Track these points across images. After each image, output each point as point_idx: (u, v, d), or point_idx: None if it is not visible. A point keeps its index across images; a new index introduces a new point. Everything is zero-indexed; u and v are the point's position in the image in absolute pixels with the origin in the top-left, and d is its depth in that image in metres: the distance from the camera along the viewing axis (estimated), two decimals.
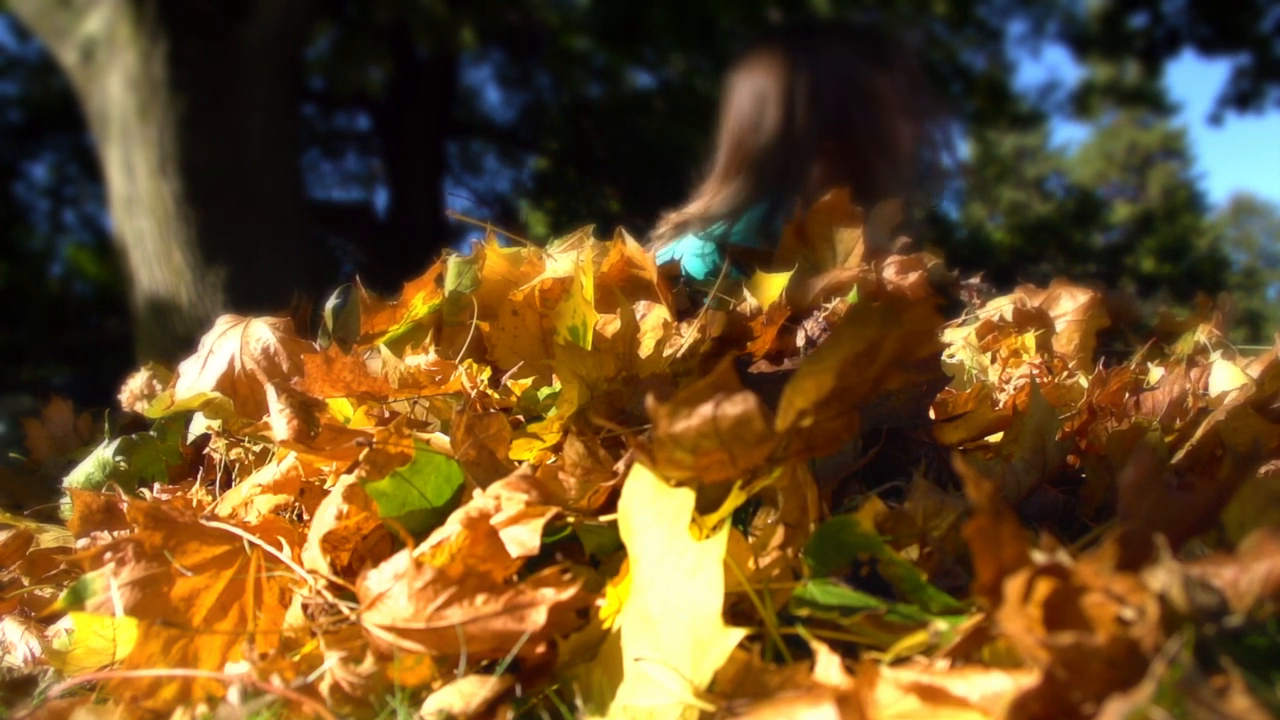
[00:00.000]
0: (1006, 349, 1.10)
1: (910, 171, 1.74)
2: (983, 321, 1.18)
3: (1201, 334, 1.26)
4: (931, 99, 1.79)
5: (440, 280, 1.08)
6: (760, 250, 1.20)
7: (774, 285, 1.00)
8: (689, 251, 1.62)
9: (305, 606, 0.64)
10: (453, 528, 0.60)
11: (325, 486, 0.78)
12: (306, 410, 0.77)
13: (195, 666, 0.64)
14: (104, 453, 1.09)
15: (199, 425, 1.06)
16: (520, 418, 0.82)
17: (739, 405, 0.49)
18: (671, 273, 1.11)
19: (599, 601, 0.57)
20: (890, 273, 1.12)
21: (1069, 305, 1.23)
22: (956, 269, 1.33)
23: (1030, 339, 1.11)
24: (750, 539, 0.60)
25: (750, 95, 1.72)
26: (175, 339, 4.01)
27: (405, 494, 0.68)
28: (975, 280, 1.32)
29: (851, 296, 1.00)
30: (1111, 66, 10.02)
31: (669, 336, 0.91)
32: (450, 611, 0.54)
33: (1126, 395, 0.90)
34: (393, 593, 0.55)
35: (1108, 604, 0.39)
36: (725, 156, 1.74)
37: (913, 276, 1.11)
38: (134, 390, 1.23)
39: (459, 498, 0.69)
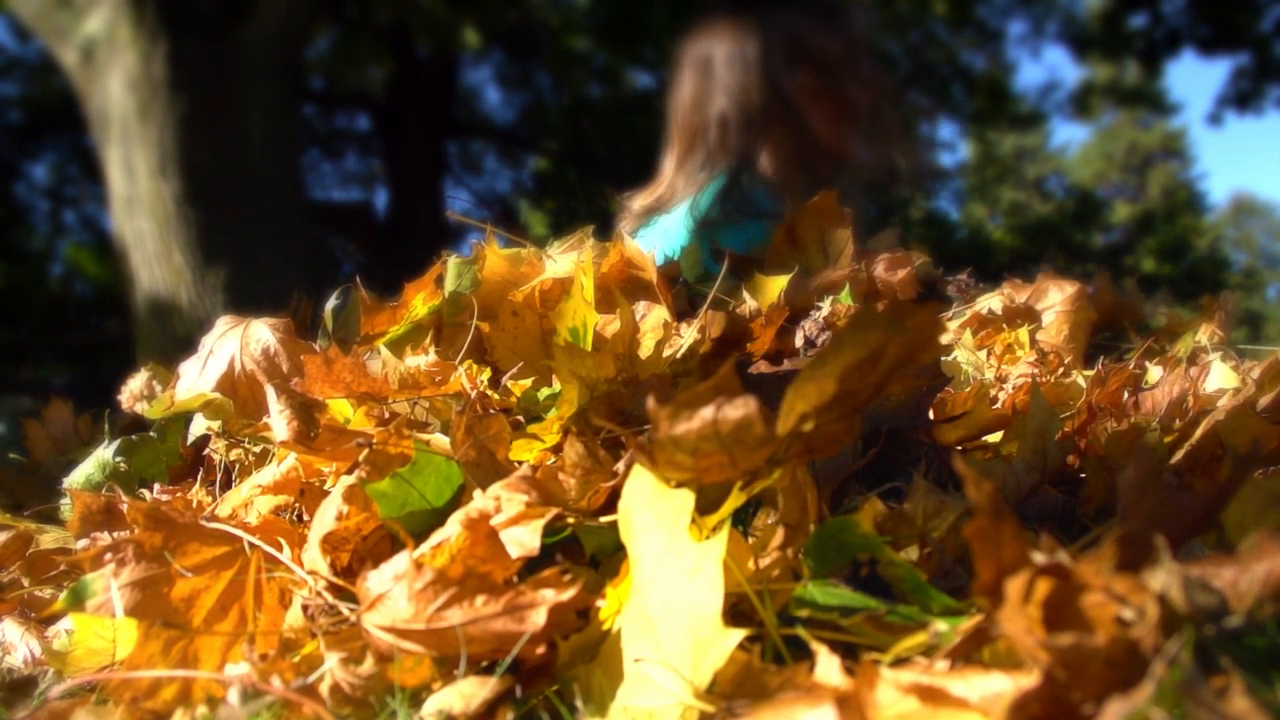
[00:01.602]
0: (1000, 344, 1.10)
1: (866, 142, 1.74)
2: (970, 315, 1.19)
3: (1202, 334, 1.26)
4: (884, 74, 1.78)
5: (440, 281, 1.08)
6: (755, 257, 1.22)
7: (774, 286, 1.01)
8: (662, 235, 1.62)
9: (305, 607, 0.64)
10: (453, 529, 0.60)
11: (325, 487, 0.78)
12: (306, 411, 0.77)
13: (195, 667, 0.64)
14: (104, 453, 1.09)
15: (199, 426, 1.06)
16: (520, 418, 0.82)
17: (740, 409, 0.49)
18: (671, 274, 1.12)
19: (599, 602, 0.57)
20: (879, 270, 1.14)
21: (1056, 297, 1.24)
22: (941, 267, 1.34)
23: (1024, 334, 1.11)
24: (750, 540, 0.60)
25: (699, 68, 1.70)
26: (175, 339, 4.00)
27: (405, 495, 0.68)
28: (962, 276, 1.33)
29: (845, 296, 1.01)
30: (1111, 67, 10.03)
31: (669, 337, 0.91)
32: (450, 612, 0.54)
33: (1126, 395, 0.90)
34: (393, 594, 0.55)
35: (1108, 605, 0.39)
36: (679, 136, 1.72)
37: (901, 273, 1.14)
38: (134, 391, 1.23)
39: (459, 498, 0.69)
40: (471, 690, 0.52)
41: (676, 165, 1.71)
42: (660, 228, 1.66)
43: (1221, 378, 0.97)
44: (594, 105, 9.13)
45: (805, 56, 1.67)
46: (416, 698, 0.54)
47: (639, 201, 1.70)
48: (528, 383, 0.87)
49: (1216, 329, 1.26)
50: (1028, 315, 1.19)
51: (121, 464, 1.08)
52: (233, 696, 0.54)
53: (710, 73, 1.68)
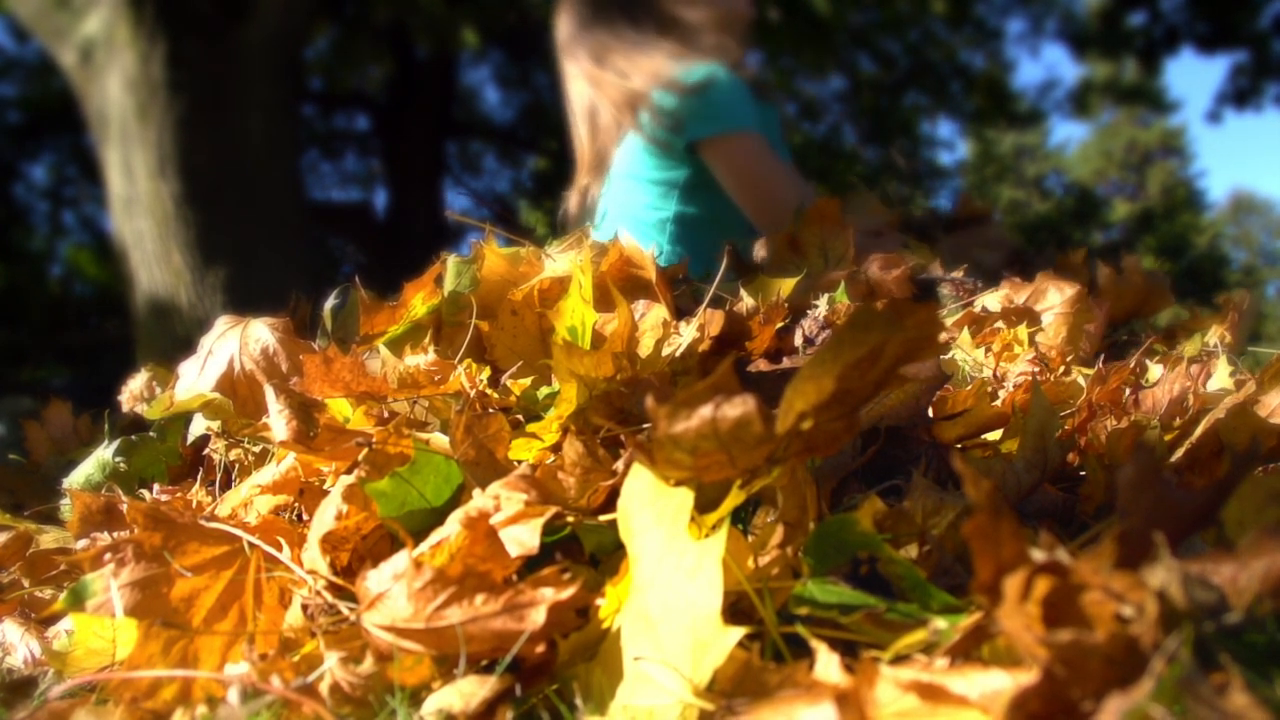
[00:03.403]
0: (1000, 343, 1.10)
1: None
2: (965, 314, 1.18)
3: (1212, 334, 1.26)
4: None
5: (439, 280, 1.08)
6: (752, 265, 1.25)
7: (784, 286, 1.02)
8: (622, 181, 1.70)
9: (305, 607, 0.64)
10: (452, 528, 0.60)
11: (325, 487, 0.78)
12: (305, 411, 0.77)
13: (195, 667, 0.64)
14: (104, 453, 1.09)
15: (199, 426, 1.06)
16: (520, 417, 0.82)
17: (738, 407, 0.49)
18: (673, 275, 1.12)
19: (598, 601, 0.57)
20: (874, 270, 1.14)
21: (1056, 298, 1.22)
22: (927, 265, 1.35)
23: (1023, 332, 1.11)
24: (750, 538, 0.60)
25: (564, 52, 1.84)
26: (175, 340, 4.00)
27: (405, 494, 0.68)
28: (958, 274, 1.33)
29: (840, 294, 1.02)
30: (1110, 65, 10.01)
31: (667, 336, 0.91)
32: (450, 611, 0.54)
33: (1126, 393, 0.90)
34: (392, 593, 0.55)
35: (1107, 602, 0.39)
36: (586, 121, 1.82)
37: (894, 273, 1.14)
38: (134, 391, 1.23)
39: (458, 498, 0.69)
40: (471, 689, 0.52)
41: (590, 154, 1.81)
42: (613, 177, 1.74)
43: (1219, 381, 0.97)
44: None
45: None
46: (416, 697, 0.54)
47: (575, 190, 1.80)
48: (527, 382, 0.87)
49: (1227, 331, 1.26)
50: (1025, 316, 1.19)
51: (121, 464, 1.08)
52: (233, 696, 0.54)
53: (575, 52, 1.81)
